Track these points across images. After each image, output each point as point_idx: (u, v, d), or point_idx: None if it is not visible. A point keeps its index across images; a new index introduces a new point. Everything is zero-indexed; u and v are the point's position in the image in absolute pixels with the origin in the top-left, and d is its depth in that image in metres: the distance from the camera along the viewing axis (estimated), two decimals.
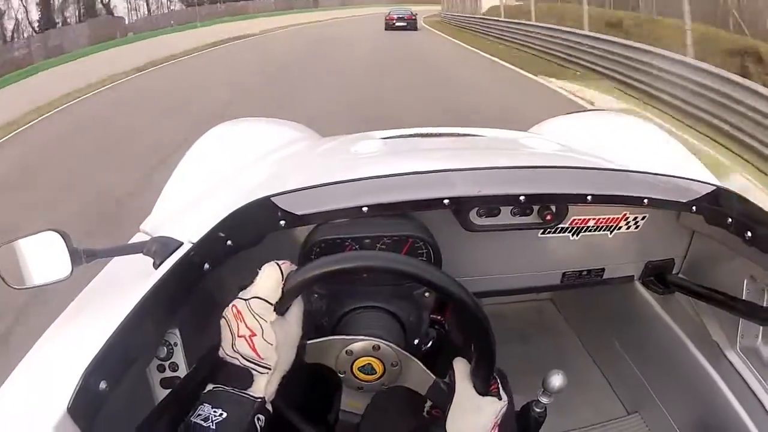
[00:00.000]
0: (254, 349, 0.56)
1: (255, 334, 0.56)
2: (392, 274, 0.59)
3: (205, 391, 0.56)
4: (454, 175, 0.80)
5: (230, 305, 0.58)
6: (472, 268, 0.97)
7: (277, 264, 0.59)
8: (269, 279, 0.58)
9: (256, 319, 0.56)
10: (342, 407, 0.67)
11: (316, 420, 0.72)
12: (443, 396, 0.64)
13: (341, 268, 0.58)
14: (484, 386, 0.63)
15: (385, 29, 20.95)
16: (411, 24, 21.56)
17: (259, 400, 0.56)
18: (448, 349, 0.74)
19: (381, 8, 37.50)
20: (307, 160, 1.26)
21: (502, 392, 0.64)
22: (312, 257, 0.79)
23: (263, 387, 0.56)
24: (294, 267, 0.60)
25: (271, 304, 0.57)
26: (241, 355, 0.56)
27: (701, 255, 1.03)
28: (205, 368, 0.65)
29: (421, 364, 0.65)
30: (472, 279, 0.97)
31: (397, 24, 21.47)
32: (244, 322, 0.56)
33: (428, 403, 0.69)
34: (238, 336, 0.56)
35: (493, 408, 0.62)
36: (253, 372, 0.56)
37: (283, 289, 0.58)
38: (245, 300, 0.57)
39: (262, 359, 0.56)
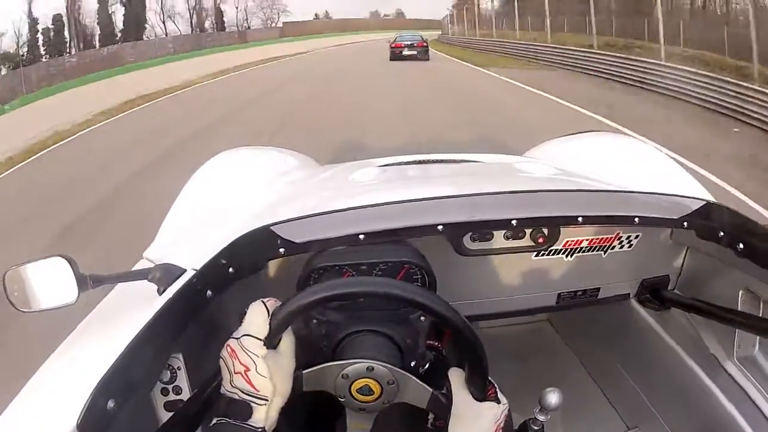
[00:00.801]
0: (250, 383, 0.59)
1: (249, 369, 0.59)
2: (369, 297, 0.62)
3: (211, 424, 0.59)
4: (446, 202, 0.82)
5: (225, 345, 0.61)
6: (467, 292, 0.98)
7: (263, 302, 0.63)
8: (256, 316, 0.62)
9: (249, 355, 0.60)
10: (349, 430, 0.69)
11: None
12: (443, 407, 0.66)
13: (320, 298, 0.61)
14: (480, 392, 0.64)
15: (391, 59, 17.29)
16: (421, 52, 17.52)
17: (259, 429, 0.59)
18: (446, 369, 0.76)
19: (327, 39, 29.90)
20: (305, 189, 1.29)
21: (500, 396, 0.66)
22: (311, 283, 0.80)
23: (263, 417, 0.60)
24: (278, 303, 0.63)
25: (261, 339, 0.61)
26: (240, 390, 0.59)
27: (696, 270, 1.05)
28: (208, 393, 0.67)
29: (417, 380, 0.66)
30: (469, 302, 0.98)
31: (406, 53, 17.46)
32: (238, 359, 0.60)
33: (431, 416, 0.70)
34: (235, 372, 0.60)
35: (492, 412, 0.64)
36: (252, 404, 0.59)
37: (270, 324, 0.61)
38: (237, 339, 0.61)
39: (259, 391, 0.59)
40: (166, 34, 24.91)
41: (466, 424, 0.63)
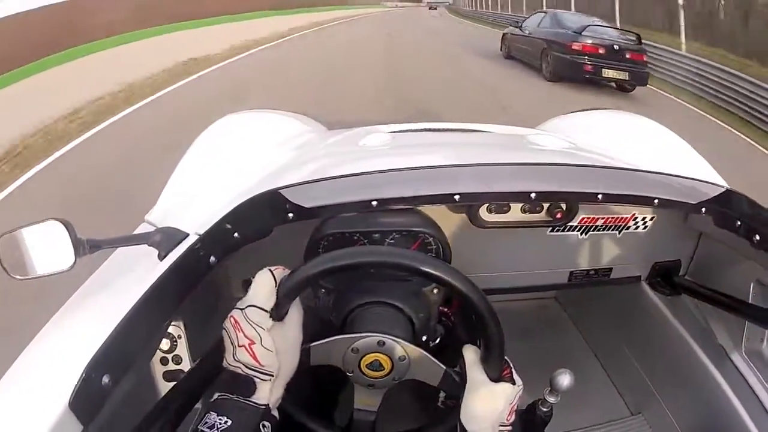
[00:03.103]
0: (255, 357, 0.56)
1: (254, 342, 0.56)
2: (385, 268, 0.58)
3: (212, 399, 0.57)
4: (464, 171, 0.79)
5: (228, 316, 0.58)
6: (480, 265, 0.96)
7: (270, 270, 0.59)
8: (263, 286, 0.58)
9: (254, 328, 0.57)
10: (356, 406, 0.67)
11: (331, 421, 0.72)
12: (456, 385, 0.63)
13: (334, 267, 0.58)
14: (496, 372, 0.62)
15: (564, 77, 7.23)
16: (638, 70, 7.13)
17: (264, 407, 0.57)
18: (456, 342, 0.74)
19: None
20: (315, 153, 1.25)
21: (515, 376, 0.63)
22: (319, 251, 0.78)
23: (267, 394, 0.57)
24: (287, 272, 0.60)
25: (267, 311, 0.57)
26: (243, 364, 0.57)
27: (708, 257, 1.03)
28: (209, 365, 0.64)
29: (429, 356, 0.64)
30: (480, 276, 0.96)
31: (610, 74, 7.00)
32: (243, 332, 0.57)
33: (442, 394, 0.69)
34: (239, 346, 0.56)
35: (507, 393, 0.61)
36: (256, 379, 0.57)
37: (277, 294, 0.58)
38: (242, 309, 0.58)
39: (263, 366, 0.56)
40: None
41: (480, 404, 0.61)
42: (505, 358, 0.63)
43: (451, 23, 19.78)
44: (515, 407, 0.62)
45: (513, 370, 0.63)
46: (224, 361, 0.58)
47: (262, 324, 0.57)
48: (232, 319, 0.58)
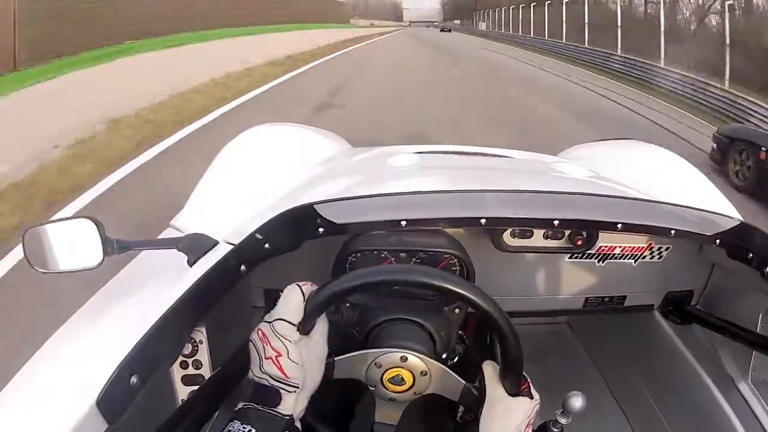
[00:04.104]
0: (281, 369, 0.57)
1: (281, 355, 0.57)
2: (416, 287, 0.59)
3: (236, 408, 0.57)
4: (491, 196, 0.80)
5: (256, 329, 0.59)
6: (500, 287, 0.97)
7: (298, 286, 0.60)
8: (291, 301, 0.59)
9: (281, 341, 0.57)
10: (376, 419, 0.67)
11: None
12: (475, 400, 0.64)
13: (363, 283, 0.59)
14: (514, 387, 0.63)
15: None
16: None
17: (288, 417, 0.57)
18: (469, 363, 0.74)
19: None
20: (343, 170, 1.27)
21: (533, 391, 0.64)
22: (347, 266, 0.79)
23: (292, 405, 0.58)
24: (314, 287, 0.61)
25: (295, 324, 0.58)
26: (270, 376, 0.57)
27: (719, 288, 1.04)
28: (230, 373, 0.64)
29: (450, 371, 0.65)
30: (499, 298, 0.97)
31: None
32: (270, 344, 0.57)
33: (461, 409, 0.70)
34: (265, 358, 0.57)
35: (524, 407, 0.62)
36: (282, 391, 0.57)
37: (305, 309, 0.59)
38: (269, 323, 0.59)
39: (289, 378, 0.57)
40: None
41: (498, 418, 0.62)
42: (523, 373, 0.64)
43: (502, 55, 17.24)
44: (532, 421, 0.63)
45: (530, 385, 0.65)
46: (250, 372, 0.59)
47: (290, 337, 0.58)
48: (259, 332, 0.58)
